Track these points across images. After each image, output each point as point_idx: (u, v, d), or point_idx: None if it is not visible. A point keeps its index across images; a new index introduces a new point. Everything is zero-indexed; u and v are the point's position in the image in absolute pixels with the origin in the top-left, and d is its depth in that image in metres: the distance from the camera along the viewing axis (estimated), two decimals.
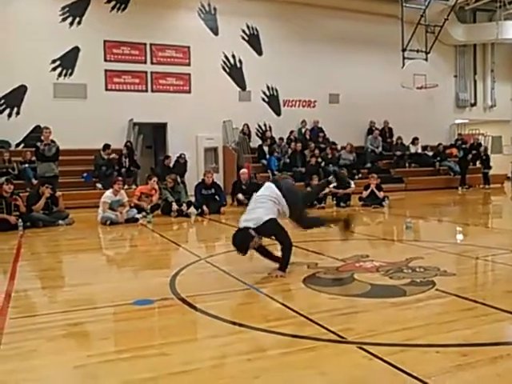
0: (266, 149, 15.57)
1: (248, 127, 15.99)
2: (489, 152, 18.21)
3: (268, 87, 16.73)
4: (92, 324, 3.48)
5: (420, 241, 6.89)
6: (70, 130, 13.01)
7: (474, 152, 17.34)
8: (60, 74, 14.26)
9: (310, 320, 3.36)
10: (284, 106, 17.00)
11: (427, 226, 8.84)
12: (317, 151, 15.27)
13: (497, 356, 2.72)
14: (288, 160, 15.27)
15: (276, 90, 16.84)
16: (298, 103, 17.20)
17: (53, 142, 11.10)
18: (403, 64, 15.37)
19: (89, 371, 2.68)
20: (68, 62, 14.29)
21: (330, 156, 15.37)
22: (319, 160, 14.82)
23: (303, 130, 16.74)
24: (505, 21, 18.45)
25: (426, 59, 15.75)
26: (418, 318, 3.40)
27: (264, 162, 15.29)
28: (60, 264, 6.09)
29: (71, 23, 14.36)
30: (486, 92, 20.58)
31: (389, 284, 4.31)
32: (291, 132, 16.42)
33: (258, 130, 16.59)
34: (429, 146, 17.91)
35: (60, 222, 8.83)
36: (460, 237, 7.77)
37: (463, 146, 17.04)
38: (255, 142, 16.11)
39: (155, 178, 10.38)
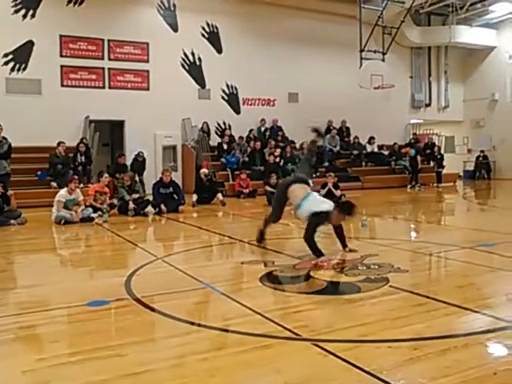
0: (225, 147, 15.55)
1: (207, 125, 15.91)
2: (442, 151, 18.77)
3: (228, 85, 16.69)
4: (44, 326, 3.39)
5: (375, 238, 7.05)
6: (23, 127, 12.65)
7: (428, 151, 17.86)
8: (13, 69, 13.77)
9: (266, 318, 3.38)
10: (243, 104, 16.99)
11: (382, 223, 9.03)
12: (278, 150, 15.31)
13: (445, 348, 2.81)
14: (247, 158, 15.31)
15: (235, 89, 16.82)
16: (257, 102, 17.23)
17: (4, 138, 10.77)
18: (361, 64, 15.65)
19: (38, 376, 2.61)
20: (21, 56, 13.81)
21: (288, 155, 15.47)
22: (277, 159, 14.87)
23: (262, 129, 16.80)
24: (457, 25, 19.06)
25: (383, 60, 16.07)
26: (372, 314, 3.47)
27: (223, 160, 15.26)
28: (11, 265, 5.89)
29: (24, 16, 13.89)
30: (439, 93, 21.19)
31: (344, 281, 4.38)
32: (251, 130, 16.44)
33: (217, 128, 16.52)
34: (385, 145, 18.31)
35: (12, 221, 8.54)
36: (414, 234, 7.97)
37: (417, 144, 17.44)
38: (214, 140, 16.04)
39: (106, 175, 10.11)
